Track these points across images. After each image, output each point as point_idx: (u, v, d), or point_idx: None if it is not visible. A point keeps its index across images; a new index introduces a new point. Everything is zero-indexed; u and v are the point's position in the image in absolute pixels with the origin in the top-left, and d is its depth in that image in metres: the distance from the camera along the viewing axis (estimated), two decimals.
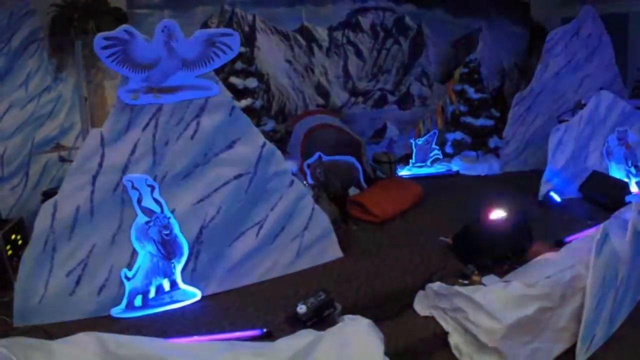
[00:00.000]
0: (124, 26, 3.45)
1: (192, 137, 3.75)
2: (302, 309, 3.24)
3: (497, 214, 4.22)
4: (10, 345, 2.47)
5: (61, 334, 2.85)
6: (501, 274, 3.82)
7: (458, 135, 7.34)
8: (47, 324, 3.45)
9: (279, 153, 4.05)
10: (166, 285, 3.71)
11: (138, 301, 3.62)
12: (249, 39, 6.72)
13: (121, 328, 3.31)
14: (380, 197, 5.46)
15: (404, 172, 7.02)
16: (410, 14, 7.68)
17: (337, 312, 3.33)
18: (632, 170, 5.76)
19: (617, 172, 5.77)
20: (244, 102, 6.10)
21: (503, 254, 4.03)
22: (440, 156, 7.28)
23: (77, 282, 3.55)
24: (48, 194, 4.53)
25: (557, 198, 5.54)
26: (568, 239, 4.37)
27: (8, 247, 4.05)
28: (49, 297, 3.49)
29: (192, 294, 3.75)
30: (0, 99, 5.16)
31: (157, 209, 3.65)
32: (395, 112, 7.84)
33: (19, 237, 4.29)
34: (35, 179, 5.35)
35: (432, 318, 3.47)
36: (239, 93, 6.11)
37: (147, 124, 3.62)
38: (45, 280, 3.49)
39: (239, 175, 3.93)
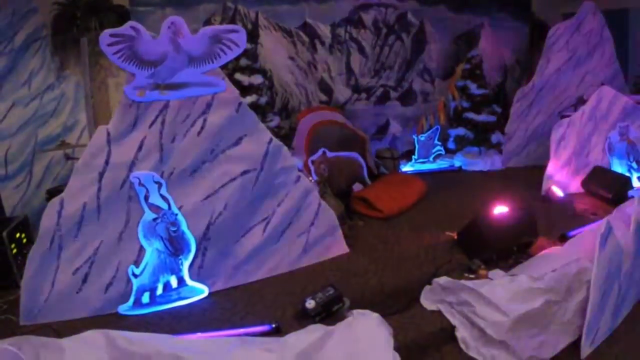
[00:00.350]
0: (130, 22, 3.45)
1: (198, 134, 3.76)
2: (310, 304, 3.25)
3: (502, 209, 4.24)
4: (19, 344, 2.47)
5: (69, 332, 2.86)
6: (507, 268, 3.84)
7: (460, 131, 7.37)
8: (54, 322, 3.46)
9: (285, 149, 4.06)
10: (174, 282, 3.72)
11: (145, 298, 3.63)
12: (252, 36, 6.72)
13: (129, 325, 3.31)
14: (385, 192, 5.48)
15: (406, 167, 7.04)
16: (412, 10, 7.68)
17: (345, 307, 3.34)
18: (634, 165, 5.78)
19: (619, 167, 5.79)
20: (249, 99, 6.11)
21: (508, 248, 4.05)
22: (443, 152, 7.30)
23: (84, 280, 3.55)
24: (52, 192, 4.53)
25: (559, 193, 5.56)
26: (572, 233, 4.40)
27: (12, 245, 4.05)
28: (56, 295, 3.49)
29: (199, 291, 3.76)
30: (4, 98, 5.16)
31: (164, 205, 3.65)
32: (398, 108, 7.85)
33: (23, 235, 4.29)
34: (39, 177, 5.35)
35: (439, 312, 3.49)
36: (244, 89, 6.12)
37: (154, 121, 3.62)
38: (52, 278, 3.49)
39: (246, 172, 3.93)
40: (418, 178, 6.15)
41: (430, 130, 7.17)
